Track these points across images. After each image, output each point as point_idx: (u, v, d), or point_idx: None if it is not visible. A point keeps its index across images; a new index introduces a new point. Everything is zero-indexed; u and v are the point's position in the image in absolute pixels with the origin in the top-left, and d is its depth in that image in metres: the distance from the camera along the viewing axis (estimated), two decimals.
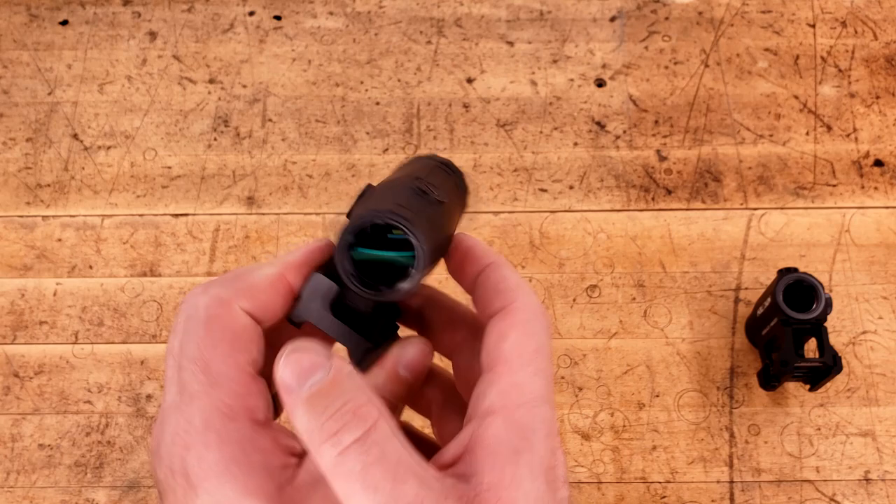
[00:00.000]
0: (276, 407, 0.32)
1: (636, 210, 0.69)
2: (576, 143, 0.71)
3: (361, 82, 0.74)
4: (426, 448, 0.30)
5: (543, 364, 0.31)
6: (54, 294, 0.66)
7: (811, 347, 0.60)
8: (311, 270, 0.33)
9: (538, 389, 0.30)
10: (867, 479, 0.60)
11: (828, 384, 0.62)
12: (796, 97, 0.73)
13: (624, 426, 0.62)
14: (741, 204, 0.69)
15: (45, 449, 0.61)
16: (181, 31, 0.77)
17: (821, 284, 0.58)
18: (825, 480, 0.60)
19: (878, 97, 0.73)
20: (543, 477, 0.29)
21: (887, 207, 0.68)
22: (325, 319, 0.32)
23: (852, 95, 0.73)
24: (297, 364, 0.28)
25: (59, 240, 0.68)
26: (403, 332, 0.36)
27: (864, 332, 0.64)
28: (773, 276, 0.63)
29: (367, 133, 0.72)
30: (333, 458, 0.27)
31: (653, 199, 0.69)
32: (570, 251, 0.67)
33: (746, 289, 0.66)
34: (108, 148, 0.72)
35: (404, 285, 0.30)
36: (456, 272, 0.35)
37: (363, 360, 0.33)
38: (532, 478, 0.28)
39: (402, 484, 0.27)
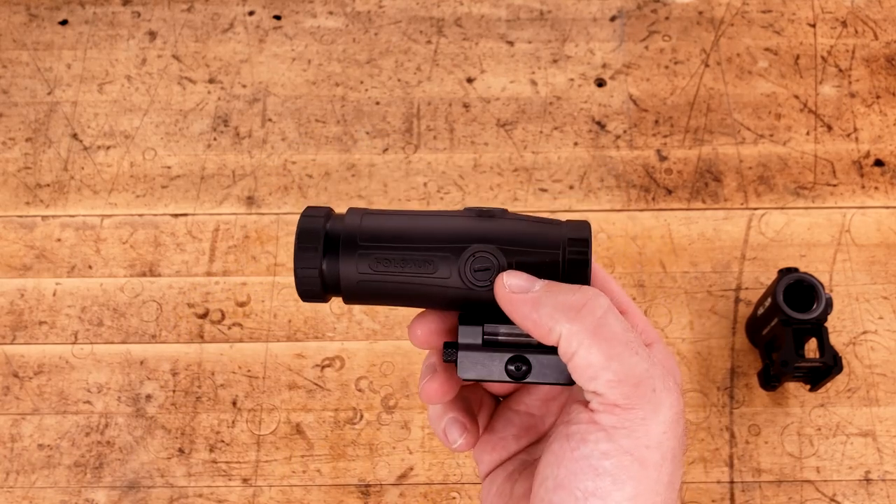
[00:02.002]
0: None
1: (636, 210, 0.69)
2: (576, 143, 0.71)
3: (361, 82, 0.74)
4: None
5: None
6: (54, 294, 0.66)
7: (811, 347, 0.60)
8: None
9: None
10: (867, 480, 0.60)
11: (828, 384, 0.62)
12: (797, 97, 0.73)
13: None
14: (741, 204, 0.69)
15: (44, 449, 0.61)
16: (181, 31, 0.77)
17: (821, 284, 0.58)
18: (825, 481, 0.60)
19: (878, 97, 0.73)
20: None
21: (888, 207, 0.68)
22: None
23: (853, 95, 0.73)
24: (522, 275, 0.33)
25: (59, 240, 0.68)
26: None
27: (864, 332, 0.64)
28: (773, 276, 0.63)
29: (367, 133, 0.72)
30: (599, 317, 0.32)
31: (653, 198, 0.69)
32: None
33: (747, 289, 0.66)
34: (108, 148, 0.72)
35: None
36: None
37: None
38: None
39: (660, 347, 0.33)
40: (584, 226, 0.35)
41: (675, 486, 0.31)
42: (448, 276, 0.34)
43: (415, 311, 0.37)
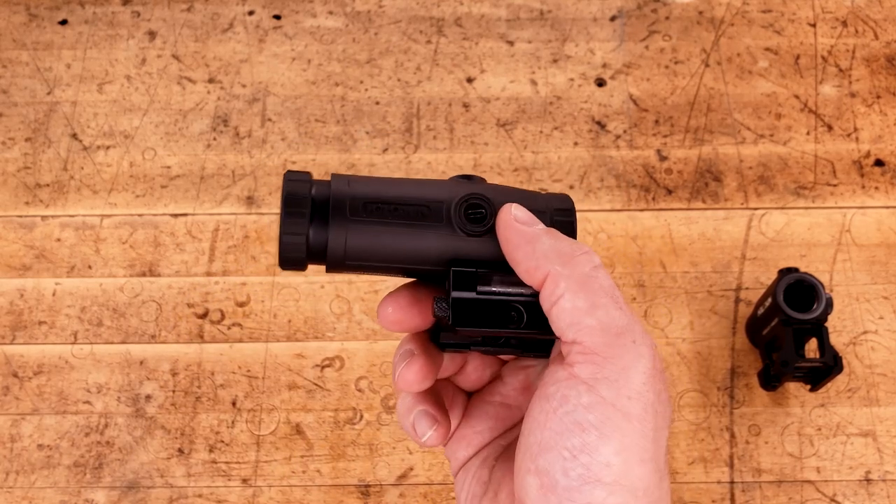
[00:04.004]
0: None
1: (636, 210, 0.69)
2: (576, 143, 0.71)
3: (361, 82, 0.74)
4: None
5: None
6: (53, 294, 0.66)
7: (812, 347, 0.60)
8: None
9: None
10: (868, 480, 0.59)
11: (828, 384, 0.62)
12: (797, 97, 0.73)
13: None
14: (742, 204, 0.69)
15: (44, 449, 0.61)
16: (180, 31, 0.76)
17: (821, 284, 0.58)
18: (826, 481, 0.59)
19: (878, 97, 0.73)
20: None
21: (888, 207, 0.68)
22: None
23: (853, 95, 0.73)
24: (528, 211, 0.34)
25: (59, 240, 0.68)
26: None
27: (864, 332, 0.64)
28: (773, 275, 0.63)
29: (367, 133, 0.72)
30: (590, 269, 0.32)
31: (653, 198, 0.69)
32: None
33: (747, 289, 0.66)
34: (108, 148, 0.72)
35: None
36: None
37: None
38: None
39: (618, 310, 0.32)
40: (565, 197, 0.36)
41: (661, 445, 0.31)
42: (441, 219, 0.34)
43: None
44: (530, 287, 0.33)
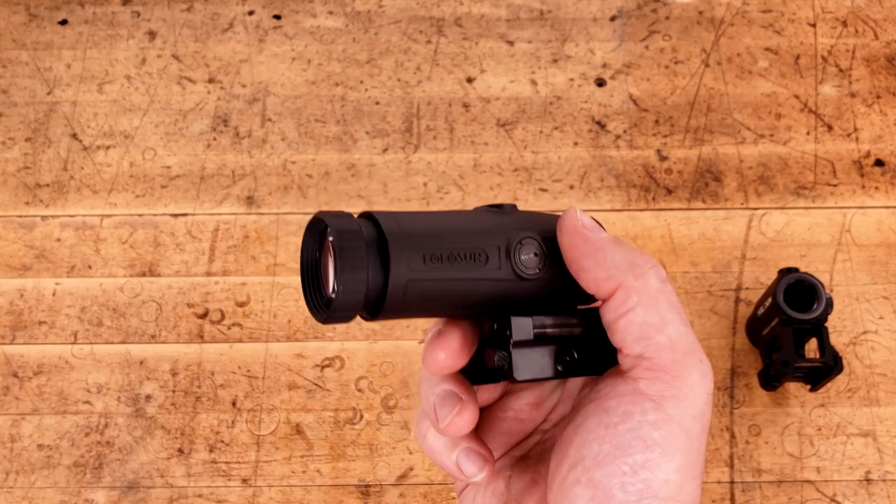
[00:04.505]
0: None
1: (636, 210, 0.69)
2: (576, 143, 0.71)
3: (361, 82, 0.74)
4: None
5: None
6: (53, 294, 0.66)
7: (812, 347, 0.60)
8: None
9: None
10: (868, 480, 0.59)
11: (828, 384, 0.62)
12: (797, 97, 0.73)
13: None
14: (742, 204, 0.69)
15: (44, 449, 0.61)
16: (180, 31, 0.76)
17: (821, 284, 0.58)
18: (826, 481, 0.59)
19: (878, 97, 0.73)
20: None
21: (888, 207, 0.68)
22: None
23: (853, 95, 0.73)
24: (592, 219, 0.33)
25: (59, 240, 0.68)
26: None
27: (864, 332, 0.64)
28: (773, 275, 0.63)
29: (367, 133, 0.72)
30: (659, 284, 0.32)
31: (653, 198, 0.69)
32: None
33: (747, 289, 0.66)
34: (108, 148, 0.72)
35: None
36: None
37: None
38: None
39: (686, 326, 0.31)
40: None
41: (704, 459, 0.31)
42: (499, 266, 0.32)
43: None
44: (578, 318, 0.33)
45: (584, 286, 0.32)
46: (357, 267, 0.29)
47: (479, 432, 0.37)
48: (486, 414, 0.38)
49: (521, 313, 0.33)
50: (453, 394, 0.34)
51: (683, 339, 0.31)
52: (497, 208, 0.34)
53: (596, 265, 0.32)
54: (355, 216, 0.31)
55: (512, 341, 0.32)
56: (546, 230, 0.33)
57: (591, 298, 0.34)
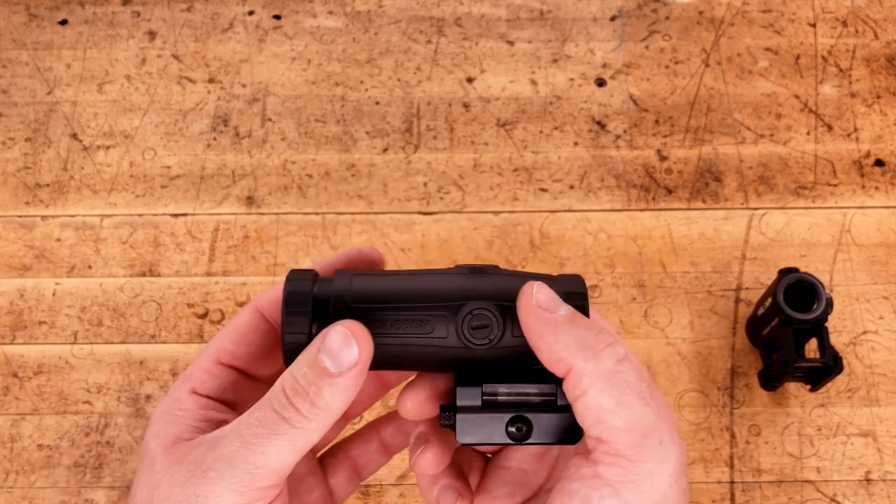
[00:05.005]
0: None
1: (637, 210, 0.69)
2: (576, 143, 0.71)
3: (361, 82, 0.74)
4: None
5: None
6: (53, 294, 0.66)
7: (812, 347, 0.60)
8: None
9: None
10: (868, 480, 0.59)
11: (828, 384, 0.62)
12: (797, 97, 0.73)
13: None
14: (742, 204, 0.69)
15: (44, 449, 0.61)
16: (180, 31, 0.76)
17: (821, 284, 0.58)
18: (826, 481, 0.59)
19: (878, 97, 0.73)
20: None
21: (888, 207, 0.68)
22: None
23: (853, 95, 0.73)
24: (551, 292, 0.32)
25: (59, 240, 0.68)
26: None
27: (864, 332, 0.64)
28: (773, 275, 0.63)
29: (367, 133, 0.72)
30: (613, 365, 0.30)
31: (653, 198, 0.69)
32: (570, 251, 0.67)
33: (747, 289, 0.66)
34: (108, 148, 0.72)
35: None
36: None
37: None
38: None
39: (662, 403, 0.30)
40: (578, 280, 0.34)
41: None
42: (445, 335, 0.33)
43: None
44: (539, 386, 0.33)
45: (543, 365, 0.32)
46: (297, 330, 0.33)
47: (484, 481, 0.38)
48: (492, 464, 0.38)
49: (470, 379, 0.33)
50: (422, 435, 0.35)
51: (641, 421, 0.30)
52: (478, 271, 0.34)
53: (547, 347, 0.31)
54: (331, 274, 0.34)
55: (458, 406, 0.33)
56: (512, 296, 0.33)
57: None
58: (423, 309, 0.33)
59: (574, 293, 0.34)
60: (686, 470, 0.31)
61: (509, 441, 0.33)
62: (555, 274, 0.35)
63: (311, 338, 0.32)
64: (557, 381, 0.32)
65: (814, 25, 0.76)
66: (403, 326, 0.33)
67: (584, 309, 0.33)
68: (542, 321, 0.31)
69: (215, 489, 0.30)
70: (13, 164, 0.71)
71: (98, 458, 0.61)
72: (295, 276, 0.34)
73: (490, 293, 0.33)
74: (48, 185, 0.70)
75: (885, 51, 0.75)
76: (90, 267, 0.67)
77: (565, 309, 0.32)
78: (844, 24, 0.76)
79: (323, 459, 0.41)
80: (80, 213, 0.69)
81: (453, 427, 0.33)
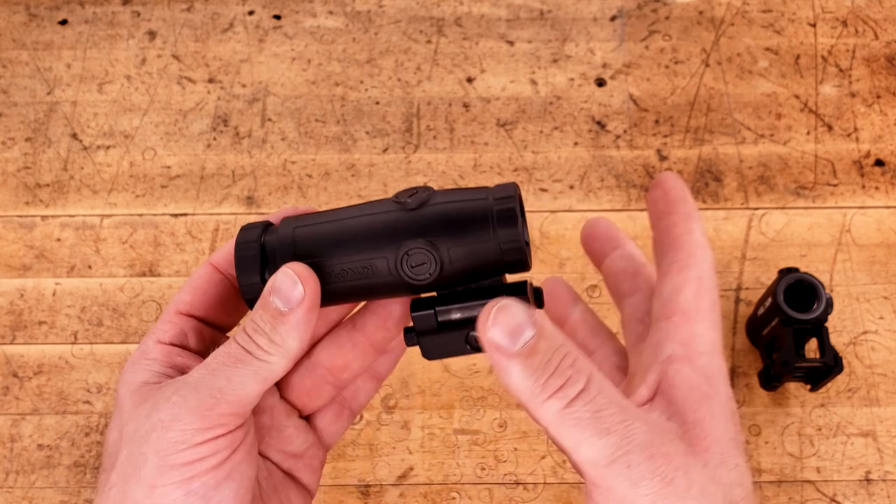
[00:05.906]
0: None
1: (637, 210, 0.69)
2: (576, 143, 0.71)
3: (361, 82, 0.74)
4: None
5: (716, 319, 0.35)
6: (53, 294, 0.66)
7: (812, 347, 0.60)
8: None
9: (715, 341, 0.34)
10: (868, 480, 0.59)
11: (829, 384, 0.62)
12: (797, 97, 0.73)
13: None
14: (742, 204, 0.69)
15: (44, 449, 0.61)
16: (180, 31, 0.76)
17: (821, 284, 0.58)
18: (826, 481, 0.59)
19: (878, 97, 0.73)
20: (732, 418, 0.32)
21: (888, 207, 0.68)
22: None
23: (853, 95, 0.73)
24: (508, 323, 0.30)
25: (58, 240, 0.68)
26: None
27: (864, 332, 0.64)
28: (773, 275, 0.63)
29: (367, 133, 0.72)
30: (559, 412, 0.29)
31: None
32: (570, 251, 0.67)
33: (747, 289, 0.66)
34: (108, 147, 0.72)
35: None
36: (651, 212, 0.37)
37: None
38: (724, 418, 0.32)
39: (632, 423, 0.29)
40: (510, 185, 0.35)
41: None
42: (387, 275, 0.35)
43: None
44: (487, 300, 0.34)
45: None
46: (249, 273, 0.35)
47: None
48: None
49: (423, 303, 0.35)
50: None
51: (601, 452, 0.30)
52: (412, 196, 0.35)
53: (507, 386, 0.31)
54: (279, 221, 0.37)
55: (416, 331, 0.35)
56: (445, 227, 0.34)
57: (510, 269, 0.35)
58: (363, 252, 0.34)
59: (501, 198, 0.34)
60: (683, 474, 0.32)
61: (473, 352, 0.35)
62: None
63: (265, 283, 0.35)
64: (508, 293, 0.34)
65: (814, 25, 0.76)
66: (348, 273, 0.35)
67: (511, 211, 0.34)
68: (495, 362, 0.31)
69: (178, 412, 0.31)
70: (13, 164, 0.71)
71: (98, 458, 0.61)
72: (245, 228, 0.37)
73: (423, 227, 0.34)
74: (48, 185, 0.70)
75: (885, 51, 0.75)
76: (90, 267, 0.67)
77: (521, 341, 0.30)
78: (844, 24, 0.76)
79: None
80: (80, 213, 0.69)
81: (419, 346, 0.36)
